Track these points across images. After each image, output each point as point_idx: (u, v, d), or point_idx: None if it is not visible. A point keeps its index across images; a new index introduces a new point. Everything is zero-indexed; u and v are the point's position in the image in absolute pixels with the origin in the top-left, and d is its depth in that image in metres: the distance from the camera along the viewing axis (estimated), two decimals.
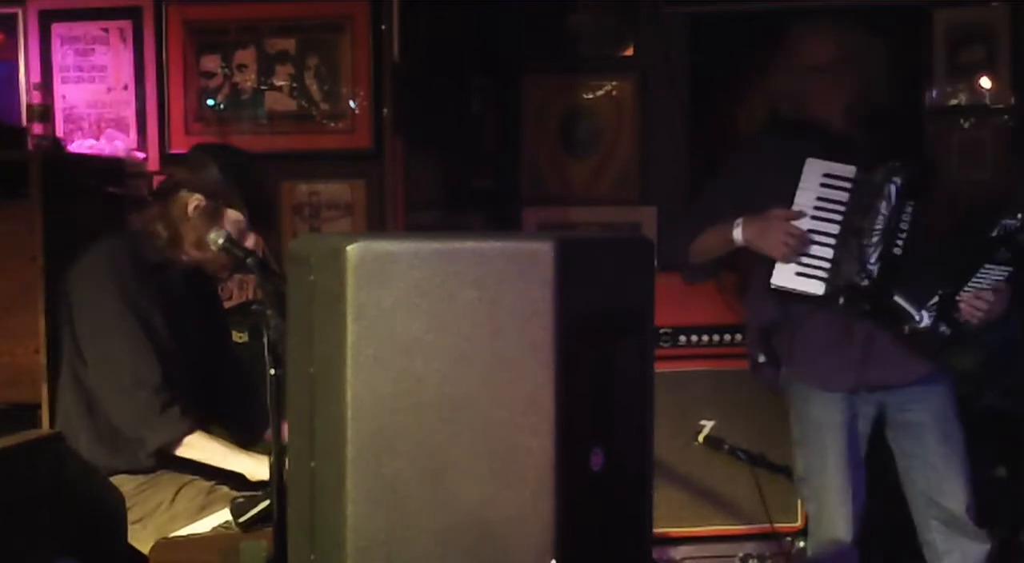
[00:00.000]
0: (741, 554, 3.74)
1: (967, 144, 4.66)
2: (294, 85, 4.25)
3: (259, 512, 2.40)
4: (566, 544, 1.64)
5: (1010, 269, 2.97)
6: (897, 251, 3.01)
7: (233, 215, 2.88)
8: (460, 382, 1.63)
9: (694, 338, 3.76)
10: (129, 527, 2.66)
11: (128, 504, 2.70)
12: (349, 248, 1.61)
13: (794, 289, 3.06)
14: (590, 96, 4.93)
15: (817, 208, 3.06)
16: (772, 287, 3.08)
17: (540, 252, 1.64)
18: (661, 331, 3.71)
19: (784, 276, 3.06)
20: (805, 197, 3.07)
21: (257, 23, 4.25)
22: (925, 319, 3.00)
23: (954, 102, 4.72)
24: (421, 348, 1.62)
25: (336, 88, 4.23)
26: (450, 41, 4.61)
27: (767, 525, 3.69)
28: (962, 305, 3.00)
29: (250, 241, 2.87)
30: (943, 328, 3.01)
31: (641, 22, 4.86)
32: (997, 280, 2.98)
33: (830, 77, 3.15)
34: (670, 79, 4.56)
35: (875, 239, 3.00)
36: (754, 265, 3.20)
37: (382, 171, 4.16)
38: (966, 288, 2.99)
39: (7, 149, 3.52)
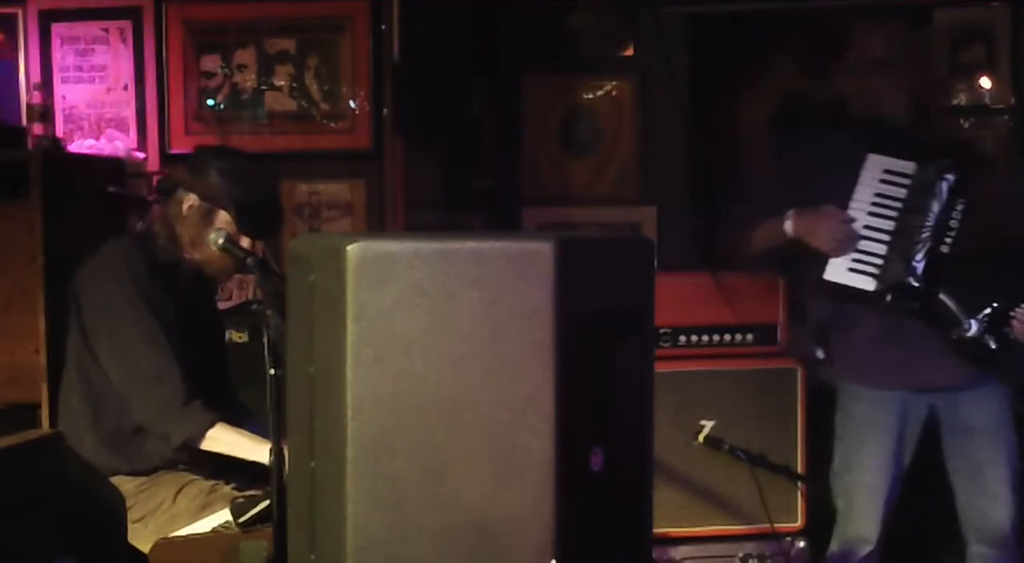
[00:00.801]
0: (741, 554, 3.74)
1: (972, 144, 4.65)
2: (294, 85, 4.24)
3: (259, 512, 2.40)
4: (566, 544, 1.64)
5: None
6: (944, 249, 3.00)
7: (225, 217, 2.88)
8: (460, 382, 1.63)
9: (694, 338, 3.76)
10: (130, 526, 2.66)
11: (129, 503, 2.71)
12: (349, 248, 1.61)
13: (845, 284, 3.04)
14: (590, 96, 4.93)
15: (874, 204, 3.05)
16: (824, 280, 3.06)
17: (540, 252, 1.64)
18: (661, 331, 3.71)
19: (836, 271, 3.04)
20: (864, 192, 3.05)
21: (257, 23, 4.25)
22: (974, 328, 2.97)
23: (954, 102, 4.72)
24: (421, 348, 1.62)
25: (336, 88, 4.23)
26: (450, 41, 4.61)
27: (767, 525, 3.69)
28: (1015, 322, 2.97)
29: (246, 242, 2.87)
30: (990, 341, 2.98)
31: (641, 22, 4.87)
32: None
33: (892, 71, 3.13)
34: (670, 79, 4.56)
35: (924, 235, 2.99)
36: (810, 260, 3.15)
37: (382, 171, 4.16)
38: (1021, 306, 2.96)
39: (7, 149, 3.51)
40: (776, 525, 3.70)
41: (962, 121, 4.71)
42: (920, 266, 3.00)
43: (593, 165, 4.93)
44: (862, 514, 3.17)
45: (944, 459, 3.21)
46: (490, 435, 1.63)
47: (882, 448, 3.15)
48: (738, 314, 3.69)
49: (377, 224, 4.15)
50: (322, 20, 4.24)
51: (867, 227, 3.04)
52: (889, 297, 3.03)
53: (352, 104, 4.22)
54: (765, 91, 5.24)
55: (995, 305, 2.97)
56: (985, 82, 4.70)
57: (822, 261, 3.07)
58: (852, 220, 3.04)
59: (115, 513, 2.61)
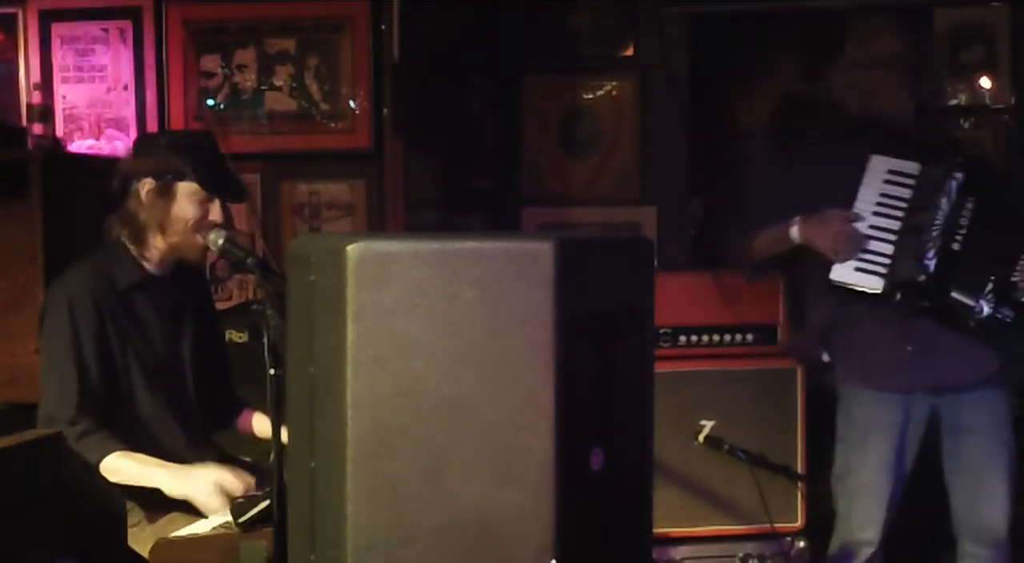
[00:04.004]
0: (741, 554, 3.74)
1: (967, 144, 4.66)
2: (294, 85, 4.24)
3: (259, 512, 2.40)
4: (566, 544, 1.64)
5: None
6: (956, 247, 3.00)
7: (185, 188, 2.75)
8: (460, 382, 1.63)
9: (694, 338, 3.76)
10: (128, 529, 2.66)
11: (127, 506, 2.70)
12: (349, 248, 1.61)
13: (853, 285, 3.04)
14: (590, 96, 4.93)
15: (879, 204, 3.05)
16: (831, 282, 3.05)
17: (540, 252, 1.64)
18: (661, 331, 3.71)
19: (843, 271, 3.04)
20: (868, 193, 3.05)
21: (257, 23, 4.25)
22: (985, 308, 2.98)
23: (954, 102, 4.72)
24: (421, 348, 1.62)
25: (336, 88, 4.23)
26: (450, 41, 4.61)
27: (767, 525, 3.69)
28: (1018, 282, 2.98)
29: (215, 211, 2.76)
30: (1004, 313, 2.99)
31: (641, 22, 4.87)
32: None
33: (894, 71, 3.15)
34: (670, 79, 4.56)
35: (934, 234, 2.99)
36: (814, 263, 3.16)
37: (382, 171, 4.16)
38: (1018, 267, 2.99)
39: (7, 149, 3.51)
40: (776, 525, 3.70)
41: (962, 121, 4.71)
42: (931, 263, 2.99)
43: (593, 165, 4.94)
44: (864, 517, 3.16)
45: (942, 460, 3.21)
46: (490, 435, 1.63)
47: (884, 450, 3.14)
48: (738, 314, 3.69)
49: (377, 224, 4.16)
50: (322, 20, 4.24)
51: (872, 227, 3.04)
52: (899, 296, 3.03)
53: (352, 104, 4.22)
54: (765, 91, 5.24)
55: (994, 277, 2.98)
56: (985, 82, 4.70)
57: (827, 263, 3.07)
58: (858, 219, 3.04)
59: (115, 513, 2.61)
